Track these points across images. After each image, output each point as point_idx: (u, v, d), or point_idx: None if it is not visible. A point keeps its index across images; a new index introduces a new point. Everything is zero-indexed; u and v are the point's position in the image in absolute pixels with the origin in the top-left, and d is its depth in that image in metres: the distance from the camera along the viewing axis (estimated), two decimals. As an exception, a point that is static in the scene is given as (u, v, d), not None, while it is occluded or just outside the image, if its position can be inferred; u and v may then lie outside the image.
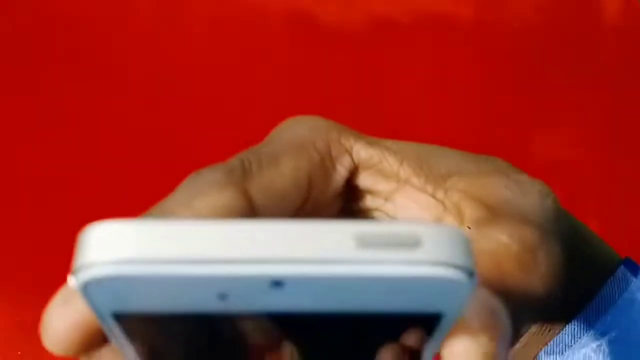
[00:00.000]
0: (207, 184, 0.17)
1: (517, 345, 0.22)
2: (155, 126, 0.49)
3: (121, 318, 0.13)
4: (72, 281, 0.12)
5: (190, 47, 0.52)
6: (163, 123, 0.49)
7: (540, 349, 0.21)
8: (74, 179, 0.46)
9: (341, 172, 0.19)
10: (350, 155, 0.20)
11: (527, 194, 0.19)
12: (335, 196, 0.20)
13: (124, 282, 0.11)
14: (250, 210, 0.17)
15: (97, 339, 0.15)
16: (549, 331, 0.21)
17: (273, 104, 0.49)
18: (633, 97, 0.55)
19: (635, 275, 0.21)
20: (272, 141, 0.19)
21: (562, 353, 0.21)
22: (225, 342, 0.14)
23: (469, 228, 0.18)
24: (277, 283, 0.12)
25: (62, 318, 0.15)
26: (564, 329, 0.21)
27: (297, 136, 0.19)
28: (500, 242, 0.17)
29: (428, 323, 0.13)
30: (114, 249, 0.11)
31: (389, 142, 0.20)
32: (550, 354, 0.21)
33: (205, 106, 0.50)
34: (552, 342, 0.21)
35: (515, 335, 0.16)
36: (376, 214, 0.21)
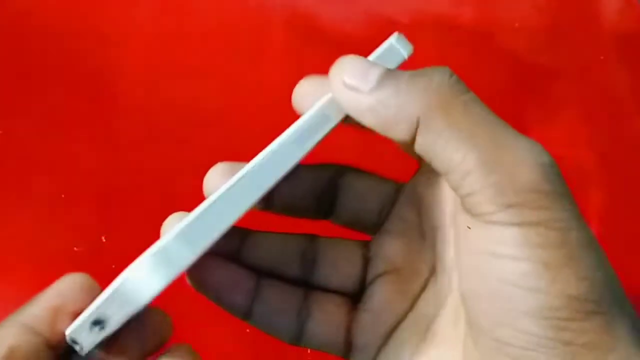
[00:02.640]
0: None
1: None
2: (153, 127, 0.49)
3: None
4: None
5: (189, 47, 0.52)
6: (161, 124, 0.49)
7: None
8: (75, 181, 0.46)
9: None
10: None
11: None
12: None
13: None
14: None
15: None
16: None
17: (273, 104, 0.49)
18: (633, 97, 0.55)
19: None
20: None
21: None
22: None
23: None
24: None
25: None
26: None
27: None
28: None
29: None
30: None
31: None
32: None
33: (204, 107, 0.50)
34: None
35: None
36: None
